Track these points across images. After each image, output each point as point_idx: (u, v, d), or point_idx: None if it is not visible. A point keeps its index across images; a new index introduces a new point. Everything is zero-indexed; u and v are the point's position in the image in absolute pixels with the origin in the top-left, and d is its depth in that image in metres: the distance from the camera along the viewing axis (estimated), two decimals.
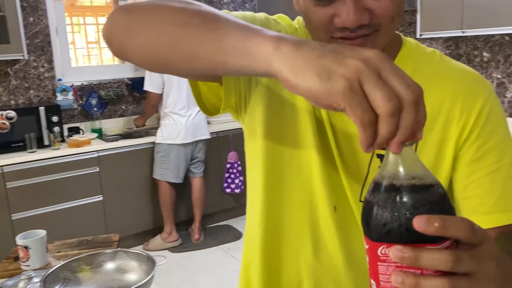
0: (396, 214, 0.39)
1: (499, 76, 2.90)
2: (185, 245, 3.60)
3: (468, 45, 3.03)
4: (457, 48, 3.07)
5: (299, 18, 0.76)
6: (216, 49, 0.46)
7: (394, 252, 0.38)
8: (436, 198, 0.40)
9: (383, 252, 0.40)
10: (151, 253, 1.23)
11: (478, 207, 0.68)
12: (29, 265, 1.31)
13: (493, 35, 2.87)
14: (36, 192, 3.01)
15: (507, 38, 2.82)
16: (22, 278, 1.24)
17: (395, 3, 0.59)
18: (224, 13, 0.51)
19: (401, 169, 0.41)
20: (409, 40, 0.74)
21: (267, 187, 0.74)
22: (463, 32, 2.63)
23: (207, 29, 0.47)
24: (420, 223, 0.37)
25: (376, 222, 0.41)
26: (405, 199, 0.40)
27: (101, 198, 3.27)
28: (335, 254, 0.73)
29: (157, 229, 3.59)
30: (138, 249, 3.69)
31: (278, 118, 0.72)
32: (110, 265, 1.25)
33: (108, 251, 1.27)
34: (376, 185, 0.42)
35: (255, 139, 0.74)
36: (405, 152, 0.41)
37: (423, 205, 0.39)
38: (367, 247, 0.43)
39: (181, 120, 3.34)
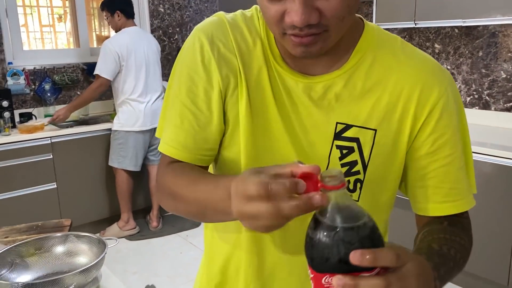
0: (335, 250, 0.47)
1: (448, 67, 3.03)
2: (143, 233, 3.57)
3: (421, 37, 3.13)
4: (410, 39, 3.17)
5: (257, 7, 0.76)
6: (204, 217, 0.71)
7: (337, 281, 0.47)
8: (368, 233, 0.48)
9: (326, 281, 0.48)
10: (103, 237, 1.22)
11: (432, 197, 0.74)
12: None
13: (444, 27, 2.98)
14: None
15: (456, 30, 2.94)
16: None
17: (345, 4, 0.60)
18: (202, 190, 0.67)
19: (335, 212, 0.49)
20: (371, 26, 0.74)
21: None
22: (415, 24, 2.72)
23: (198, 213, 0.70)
24: (355, 258, 0.46)
25: (319, 256, 0.48)
26: (341, 237, 0.47)
27: (54, 186, 3.18)
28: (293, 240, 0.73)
29: (114, 217, 3.54)
30: None
31: (255, 118, 0.72)
32: (59, 249, 1.23)
33: (58, 234, 1.25)
34: (316, 224, 0.49)
35: (234, 135, 0.74)
36: (337, 197, 0.49)
37: (357, 240, 0.47)
38: (311, 276, 0.50)
39: (139, 107, 3.29)
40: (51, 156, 3.14)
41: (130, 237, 3.49)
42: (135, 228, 3.55)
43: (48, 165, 3.13)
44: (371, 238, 0.48)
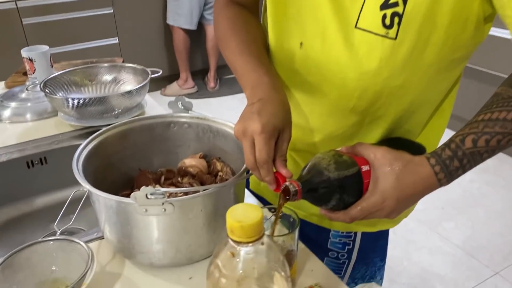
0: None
1: None
2: (201, 92, 3.71)
3: None
4: None
5: None
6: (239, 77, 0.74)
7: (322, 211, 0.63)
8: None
9: None
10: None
11: None
12: (35, 78, 1.38)
13: None
14: (52, 30, 3.04)
15: None
16: (28, 84, 1.32)
17: None
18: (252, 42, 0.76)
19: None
20: None
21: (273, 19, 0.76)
22: None
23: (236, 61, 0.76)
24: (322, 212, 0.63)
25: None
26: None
27: (116, 41, 3.30)
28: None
29: (173, 76, 3.67)
30: (156, 94, 3.80)
31: None
32: (107, 77, 1.32)
33: (106, 64, 1.32)
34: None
35: None
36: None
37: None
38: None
39: None
40: (112, 11, 3.20)
41: (189, 96, 3.65)
42: (193, 87, 3.68)
43: (109, 19, 3.21)
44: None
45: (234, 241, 0.38)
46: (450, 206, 2.33)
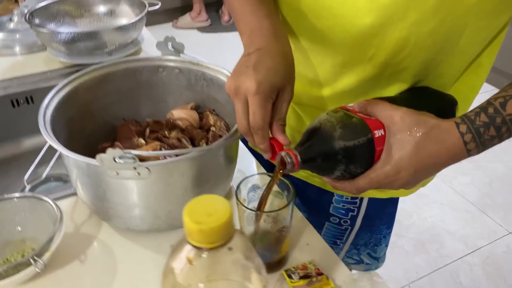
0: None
1: None
2: (214, 26, 3.53)
3: None
4: None
5: None
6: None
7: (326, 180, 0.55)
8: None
9: None
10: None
11: None
12: (26, 5, 1.27)
13: None
14: None
15: None
16: (15, 13, 1.21)
17: None
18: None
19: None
20: None
21: None
22: None
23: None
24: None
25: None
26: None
27: None
28: None
29: (186, 8, 3.49)
30: (167, 26, 3.64)
31: None
32: (102, 9, 1.20)
33: None
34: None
35: None
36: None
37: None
38: None
39: None
40: None
41: (202, 29, 3.48)
42: (207, 20, 3.50)
43: None
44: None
45: (193, 246, 0.30)
46: (467, 160, 2.21)
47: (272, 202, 0.58)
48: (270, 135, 0.54)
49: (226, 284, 0.31)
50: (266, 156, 0.55)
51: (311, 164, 0.51)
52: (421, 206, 1.96)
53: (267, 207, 0.54)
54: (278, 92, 0.53)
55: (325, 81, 0.67)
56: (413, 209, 1.94)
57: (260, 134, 0.52)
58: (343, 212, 0.82)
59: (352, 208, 0.81)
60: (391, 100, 0.55)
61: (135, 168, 0.52)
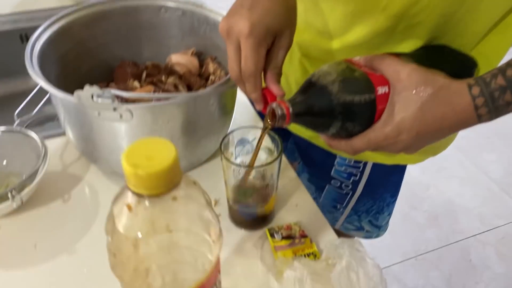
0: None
1: None
2: None
3: None
4: None
5: None
6: None
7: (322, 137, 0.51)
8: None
9: None
10: None
11: None
12: None
13: None
14: None
15: None
16: None
17: None
18: None
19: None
20: None
21: None
22: None
23: None
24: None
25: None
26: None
27: None
28: None
29: None
30: None
31: None
32: None
33: None
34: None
35: None
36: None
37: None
38: None
39: None
40: None
41: None
42: None
43: None
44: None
45: (132, 192, 0.27)
46: (496, 136, 2.12)
47: (262, 157, 0.55)
48: (264, 85, 0.50)
49: (174, 236, 0.28)
50: (258, 107, 0.51)
51: (304, 118, 0.47)
52: (440, 179, 1.90)
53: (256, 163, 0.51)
54: (275, 37, 0.48)
55: (335, 32, 0.62)
56: (431, 182, 1.88)
57: (251, 82, 0.48)
58: (345, 176, 0.78)
59: (354, 172, 0.77)
60: (403, 56, 0.50)
61: (115, 109, 0.50)
